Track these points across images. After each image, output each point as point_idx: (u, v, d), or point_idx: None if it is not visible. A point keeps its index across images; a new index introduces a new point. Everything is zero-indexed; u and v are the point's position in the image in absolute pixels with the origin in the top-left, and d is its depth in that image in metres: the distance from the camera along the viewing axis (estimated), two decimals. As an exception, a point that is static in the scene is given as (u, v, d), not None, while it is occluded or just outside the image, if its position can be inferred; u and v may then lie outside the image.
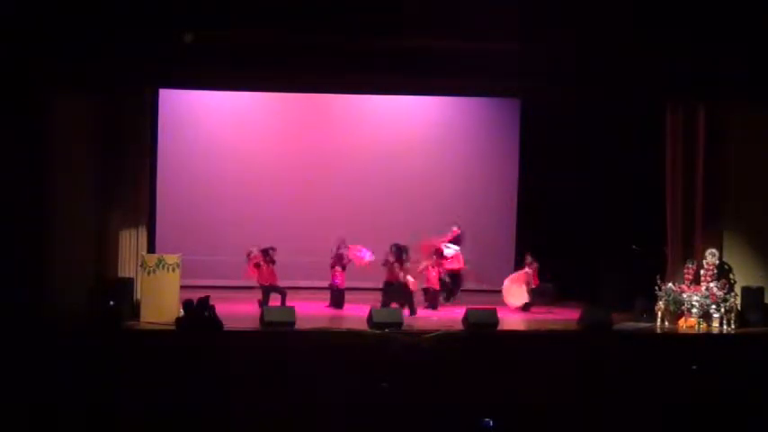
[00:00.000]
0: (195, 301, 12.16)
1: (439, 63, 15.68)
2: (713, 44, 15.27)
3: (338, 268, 16.98)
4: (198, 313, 11.86)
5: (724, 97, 16.09)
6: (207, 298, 12.16)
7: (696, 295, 15.66)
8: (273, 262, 16.39)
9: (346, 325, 15.34)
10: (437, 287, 17.29)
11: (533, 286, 17.37)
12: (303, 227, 18.57)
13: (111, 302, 14.44)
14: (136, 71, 15.36)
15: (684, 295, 15.73)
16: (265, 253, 16.35)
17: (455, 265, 17.88)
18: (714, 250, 16.12)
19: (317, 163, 19.44)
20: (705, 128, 16.48)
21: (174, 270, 15.05)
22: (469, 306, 15.50)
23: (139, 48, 14.95)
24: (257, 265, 16.28)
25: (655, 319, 15.80)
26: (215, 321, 11.93)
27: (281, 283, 16.41)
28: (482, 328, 14.84)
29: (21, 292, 14.24)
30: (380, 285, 16.74)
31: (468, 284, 18.37)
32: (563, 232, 18.31)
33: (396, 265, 16.49)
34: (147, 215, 16.62)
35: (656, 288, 15.86)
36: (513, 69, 15.86)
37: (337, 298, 16.98)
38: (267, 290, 16.26)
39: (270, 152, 19.44)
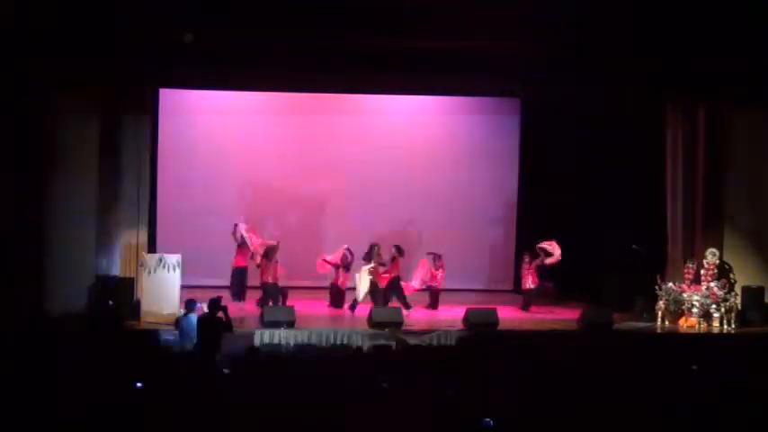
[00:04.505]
0: (208, 302, 12.15)
1: (439, 63, 15.69)
2: (713, 44, 15.27)
3: (341, 269, 16.98)
4: (211, 314, 11.81)
5: (724, 97, 16.11)
6: (219, 298, 12.15)
7: (696, 295, 15.67)
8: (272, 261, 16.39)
9: (346, 325, 15.35)
10: (439, 287, 17.29)
11: (532, 286, 17.36)
12: (303, 226, 18.57)
13: (111, 302, 14.45)
14: (136, 71, 15.38)
15: (685, 295, 15.75)
16: (266, 254, 16.36)
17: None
18: (714, 250, 16.14)
19: (317, 162, 19.42)
20: (705, 128, 16.50)
21: (174, 270, 15.06)
22: (469, 306, 15.51)
23: (139, 48, 14.97)
24: (259, 266, 16.29)
25: (655, 319, 15.81)
26: (227, 323, 11.89)
27: (282, 283, 16.42)
28: (482, 327, 14.85)
29: (21, 292, 14.24)
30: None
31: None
32: (563, 232, 18.29)
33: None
34: (147, 215, 16.65)
35: (657, 288, 15.88)
36: (513, 69, 15.89)
37: (337, 298, 16.98)
38: (267, 290, 16.26)
39: (270, 151, 19.43)
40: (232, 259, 16.52)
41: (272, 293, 16.15)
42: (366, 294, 16.51)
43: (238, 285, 16.32)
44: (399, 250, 16.85)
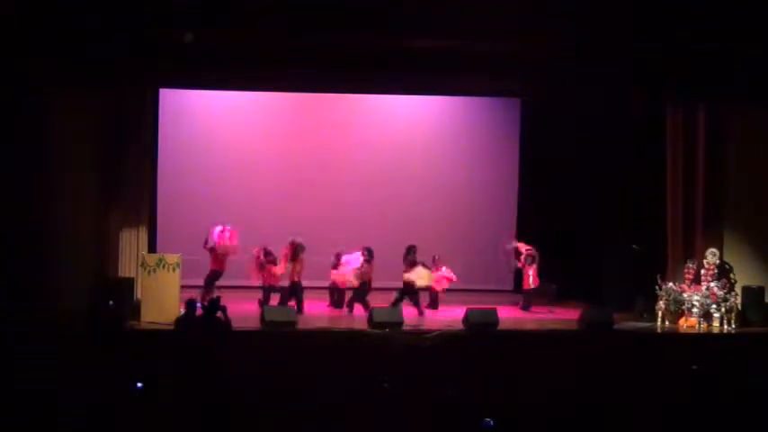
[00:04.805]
0: (207, 302, 12.12)
1: (439, 63, 15.69)
2: (713, 44, 15.27)
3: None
4: (209, 314, 11.79)
5: (724, 97, 16.10)
6: (218, 298, 12.14)
7: (697, 295, 15.65)
8: (274, 263, 16.37)
9: (346, 325, 15.35)
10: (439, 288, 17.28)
11: (533, 286, 17.36)
12: (303, 226, 18.53)
13: (111, 302, 14.44)
14: (136, 71, 15.38)
15: (685, 295, 15.74)
16: (267, 253, 16.34)
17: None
18: (714, 250, 16.12)
19: (317, 162, 19.44)
20: (705, 128, 16.49)
21: (174, 270, 15.06)
22: (469, 306, 15.51)
23: (139, 48, 14.97)
24: (261, 266, 16.27)
25: (655, 319, 15.80)
26: (226, 323, 11.87)
27: (282, 283, 16.41)
28: (482, 327, 14.85)
29: (21, 291, 14.23)
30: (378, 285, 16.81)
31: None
32: (563, 232, 18.30)
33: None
34: (147, 215, 16.66)
35: (657, 288, 15.86)
36: (513, 69, 15.89)
37: (337, 298, 16.96)
38: (268, 290, 16.26)
39: (270, 151, 19.45)
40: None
41: (298, 292, 16.19)
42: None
43: (210, 285, 16.29)
44: (370, 253, 16.81)
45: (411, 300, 16.63)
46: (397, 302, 16.28)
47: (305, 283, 17.12)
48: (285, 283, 16.39)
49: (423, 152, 19.74)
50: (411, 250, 16.90)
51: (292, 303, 16.06)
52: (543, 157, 19.13)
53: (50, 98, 15.12)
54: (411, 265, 16.77)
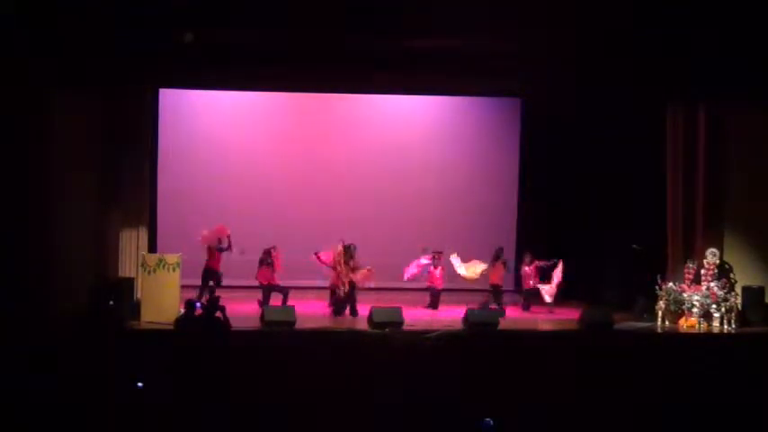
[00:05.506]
0: (206, 302, 12.11)
1: (439, 63, 15.69)
2: (713, 44, 15.27)
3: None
4: (208, 314, 11.79)
5: (724, 97, 16.10)
6: (217, 298, 12.15)
7: (697, 295, 15.65)
8: (270, 263, 16.33)
9: (346, 325, 15.35)
10: (439, 287, 17.27)
11: (533, 286, 17.36)
12: (303, 226, 18.56)
13: (111, 302, 14.45)
14: (136, 71, 15.39)
15: (685, 295, 15.73)
16: (267, 253, 16.34)
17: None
18: (715, 250, 16.12)
19: (318, 162, 19.43)
20: (705, 128, 16.49)
21: (174, 270, 15.07)
22: (470, 306, 15.51)
23: (139, 48, 14.97)
24: (267, 263, 16.24)
25: (655, 319, 15.80)
26: (225, 323, 11.85)
27: (282, 283, 16.40)
28: (482, 327, 14.85)
29: (21, 291, 14.23)
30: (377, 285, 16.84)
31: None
32: (563, 232, 18.29)
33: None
34: (147, 215, 16.66)
35: (657, 288, 15.86)
36: (513, 69, 15.88)
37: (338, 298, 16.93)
38: (268, 289, 16.25)
39: (270, 151, 19.44)
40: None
41: (273, 293, 16.19)
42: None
43: (204, 284, 16.20)
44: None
45: (496, 301, 16.86)
46: (488, 306, 16.38)
47: (304, 282, 17.15)
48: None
49: (423, 152, 19.73)
50: (501, 252, 16.98)
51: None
52: (543, 157, 19.12)
53: (50, 98, 15.11)
54: (501, 265, 16.90)
